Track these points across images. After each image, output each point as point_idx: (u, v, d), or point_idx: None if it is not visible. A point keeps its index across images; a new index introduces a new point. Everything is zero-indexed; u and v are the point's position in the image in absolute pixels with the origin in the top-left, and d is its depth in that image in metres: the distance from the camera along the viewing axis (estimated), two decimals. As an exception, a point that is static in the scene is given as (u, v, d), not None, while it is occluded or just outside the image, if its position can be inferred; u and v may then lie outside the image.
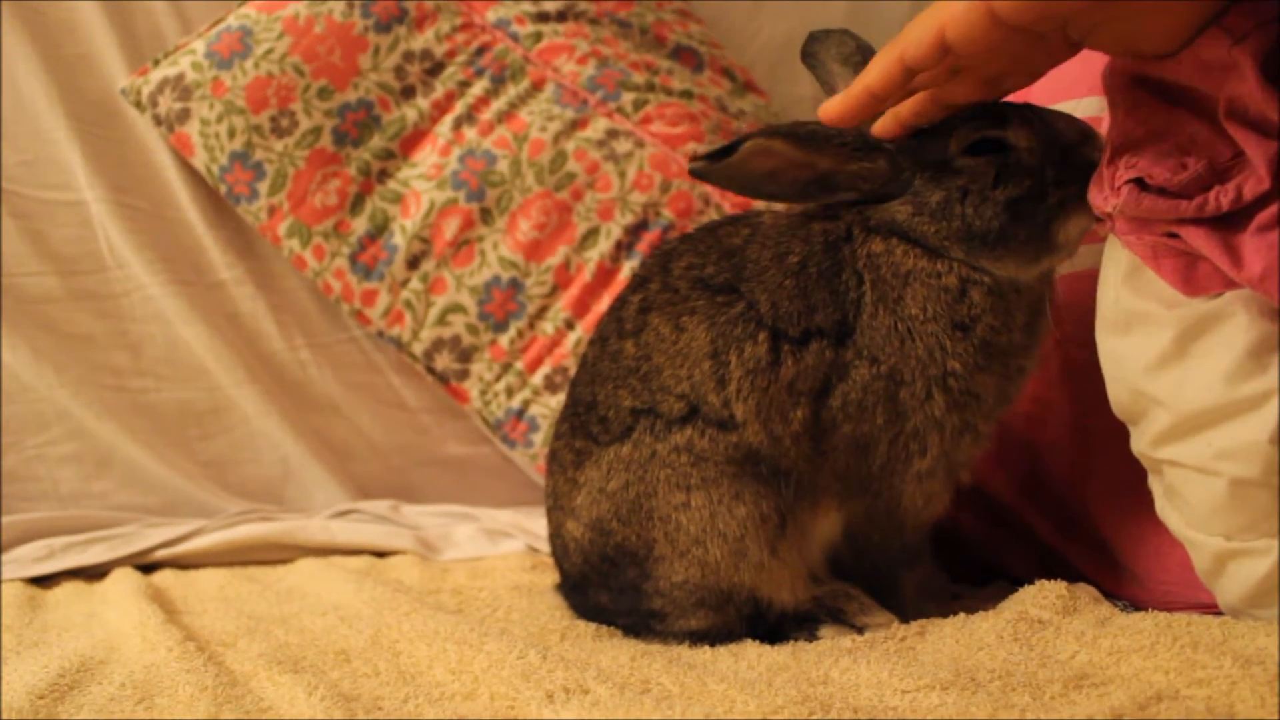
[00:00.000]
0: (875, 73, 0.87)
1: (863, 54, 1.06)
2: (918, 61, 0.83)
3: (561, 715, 0.78)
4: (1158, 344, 0.83)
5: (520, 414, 1.72)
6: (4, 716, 0.85)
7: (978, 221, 0.95)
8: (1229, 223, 0.77)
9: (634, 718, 0.76)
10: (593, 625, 1.08)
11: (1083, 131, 0.95)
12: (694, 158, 0.95)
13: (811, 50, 1.09)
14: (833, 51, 1.08)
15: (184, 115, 1.71)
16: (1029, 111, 0.96)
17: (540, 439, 1.70)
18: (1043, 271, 0.99)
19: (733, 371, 0.99)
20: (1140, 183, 0.80)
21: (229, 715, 0.83)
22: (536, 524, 1.57)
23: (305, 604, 1.24)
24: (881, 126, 0.96)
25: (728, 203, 1.72)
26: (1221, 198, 0.76)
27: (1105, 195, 0.83)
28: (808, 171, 0.97)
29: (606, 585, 1.07)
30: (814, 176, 0.98)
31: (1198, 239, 0.77)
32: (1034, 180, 0.94)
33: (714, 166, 0.95)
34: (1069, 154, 0.94)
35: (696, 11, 1.98)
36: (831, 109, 0.92)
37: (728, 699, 0.78)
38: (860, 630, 1.00)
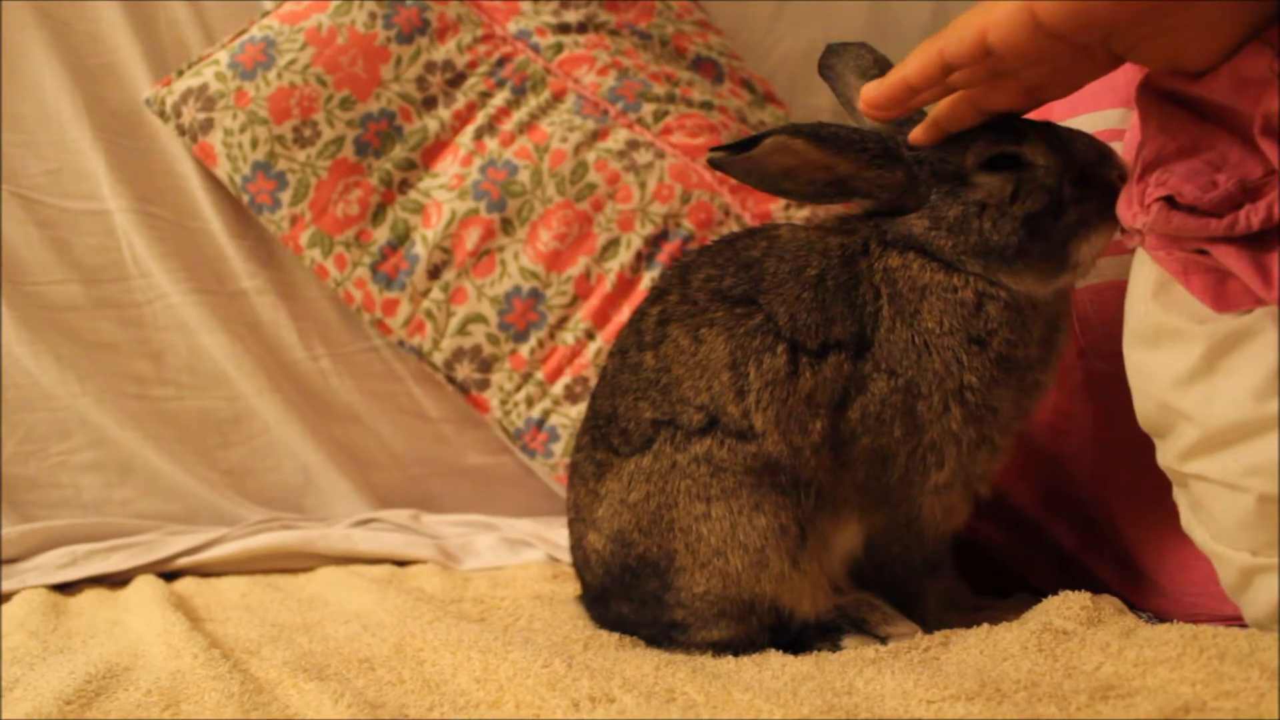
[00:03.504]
0: (913, 65, 0.87)
1: (879, 67, 1.06)
2: (957, 59, 0.83)
3: (587, 724, 0.79)
4: (1186, 359, 0.82)
5: (540, 424, 1.72)
6: (33, 722, 0.85)
7: (995, 236, 0.95)
8: (1259, 241, 0.76)
9: (660, 727, 0.76)
10: (615, 635, 1.08)
11: (1101, 151, 0.95)
12: (714, 149, 0.95)
13: (829, 63, 1.10)
14: (850, 64, 1.08)
15: (207, 125, 1.72)
16: (1047, 129, 0.96)
17: (560, 449, 1.70)
18: (1059, 288, 0.99)
19: (752, 383, 0.99)
20: (1170, 200, 0.79)
21: (256, 721, 0.84)
22: (556, 534, 1.57)
23: (328, 612, 1.24)
24: (919, 134, 0.96)
25: (748, 214, 1.72)
26: (1252, 216, 0.75)
27: (1135, 212, 0.83)
28: (826, 174, 0.97)
29: (628, 596, 1.07)
30: (831, 179, 0.98)
31: (1228, 257, 0.77)
32: (1051, 197, 0.94)
33: (733, 159, 0.95)
34: (1087, 172, 0.94)
35: (716, 23, 1.99)
36: (869, 93, 0.92)
37: (753, 708, 0.78)
38: (883, 640, 1.00)
